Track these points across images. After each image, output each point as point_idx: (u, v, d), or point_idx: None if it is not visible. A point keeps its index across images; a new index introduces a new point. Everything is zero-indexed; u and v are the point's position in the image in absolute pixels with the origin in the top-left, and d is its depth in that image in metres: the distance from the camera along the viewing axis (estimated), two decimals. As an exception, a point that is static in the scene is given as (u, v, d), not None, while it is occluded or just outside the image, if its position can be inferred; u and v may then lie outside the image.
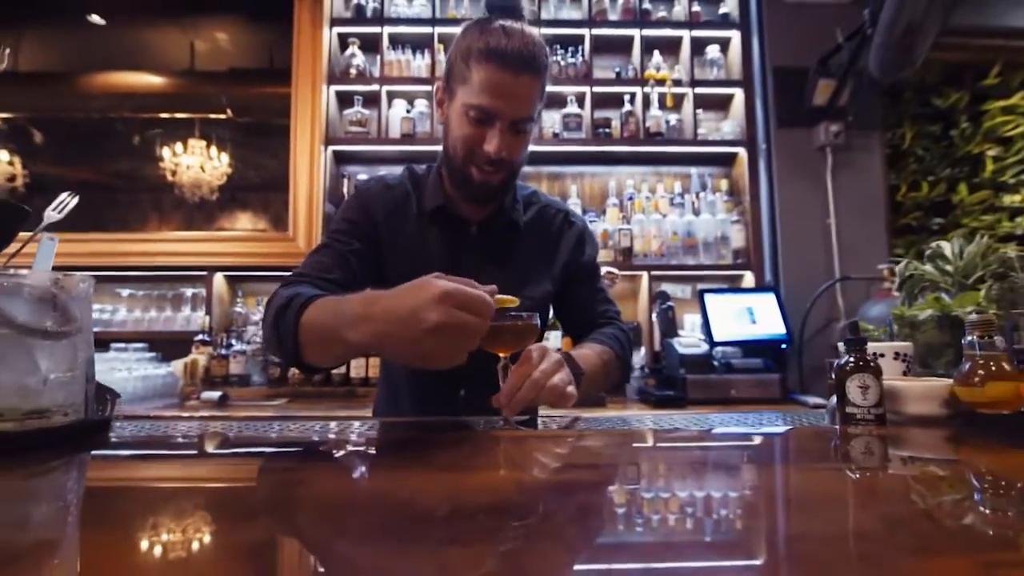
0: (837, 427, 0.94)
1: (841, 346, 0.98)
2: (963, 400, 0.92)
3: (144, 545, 0.40)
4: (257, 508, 0.52)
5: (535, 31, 1.12)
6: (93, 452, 0.73)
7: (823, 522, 0.46)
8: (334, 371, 2.61)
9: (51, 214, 0.83)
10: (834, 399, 0.98)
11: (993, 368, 0.88)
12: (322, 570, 0.38)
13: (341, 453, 0.80)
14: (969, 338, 0.92)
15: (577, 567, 0.38)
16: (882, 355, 1.07)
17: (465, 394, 1.21)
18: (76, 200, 0.86)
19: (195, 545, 0.40)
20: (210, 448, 0.84)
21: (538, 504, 0.52)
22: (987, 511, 0.48)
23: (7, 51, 0.86)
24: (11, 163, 3.11)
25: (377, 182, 1.26)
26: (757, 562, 0.39)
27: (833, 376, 0.97)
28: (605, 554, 0.40)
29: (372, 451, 0.85)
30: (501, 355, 0.89)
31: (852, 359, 0.95)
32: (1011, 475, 0.64)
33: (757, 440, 0.91)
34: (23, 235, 0.82)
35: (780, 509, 0.54)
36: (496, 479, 0.62)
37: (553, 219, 1.36)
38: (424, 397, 1.24)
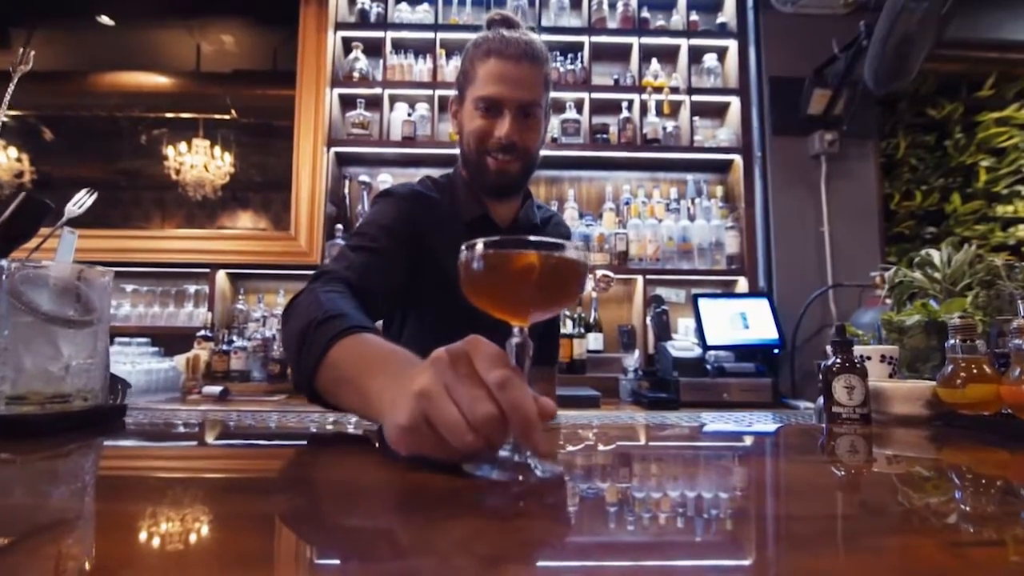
0: (824, 425, 0.97)
1: (829, 348, 1.02)
2: (945, 401, 0.95)
3: (159, 526, 0.43)
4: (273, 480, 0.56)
5: (533, 34, 1.19)
6: (109, 436, 0.76)
7: (807, 505, 0.50)
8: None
9: (71, 209, 0.86)
10: (821, 399, 1.01)
11: (974, 371, 0.92)
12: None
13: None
14: (952, 341, 0.96)
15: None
16: (868, 358, 1.10)
17: None
18: (94, 196, 0.90)
19: (206, 526, 0.43)
20: (220, 435, 0.87)
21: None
22: (967, 506, 0.51)
23: (32, 52, 0.88)
24: (19, 160, 3.15)
25: (409, 188, 1.23)
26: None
27: (821, 376, 1.01)
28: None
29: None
30: (515, 324, 0.57)
31: (839, 360, 0.99)
32: (989, 472, 0.67)
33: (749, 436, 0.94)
34: (44, 230, 0.85)
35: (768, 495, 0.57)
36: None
37: (551, 219, 1.42)
38: None
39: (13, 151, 3.16)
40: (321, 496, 0.52)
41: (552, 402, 0.52)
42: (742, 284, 3.00)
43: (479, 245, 0.56)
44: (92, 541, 0.39)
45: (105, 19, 3.23)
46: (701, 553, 0.38)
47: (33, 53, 0.90)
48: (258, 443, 0.80)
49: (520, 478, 0.51)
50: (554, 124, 3.10)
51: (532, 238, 0.54)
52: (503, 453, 0.54)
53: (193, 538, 0.39)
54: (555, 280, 0.56)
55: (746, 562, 0.37)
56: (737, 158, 3.11)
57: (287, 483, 0.58)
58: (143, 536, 0.39)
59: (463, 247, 0.57)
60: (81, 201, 0.88)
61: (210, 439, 0.82)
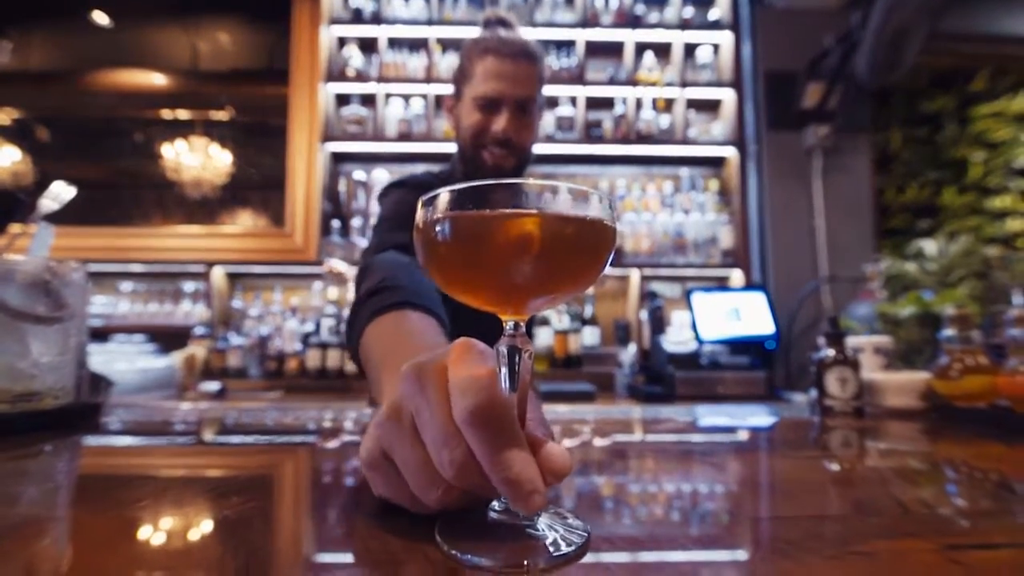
0: (816, 419, 0.96)
1: (822, 340, 1.00)
2: (940, 393, 0.94)
3: (132, 527, 0.41)
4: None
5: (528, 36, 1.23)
6: (81, 435, 0.74)
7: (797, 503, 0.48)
8: (329, 365, 2.65)
9: (47, 203, 0.84)
10: (814, 391, 1.00)
11: (971, 362, 0.90)
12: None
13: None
14: (947, 332, 0.94)
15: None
16: (862, 350, 1.09)
17: None
18: (72, 190, 0.88)
19: (179, 526, 0.42)
20: (194, 433, 0.85)
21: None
22: (964, 505, 0.50)
23: (11, 46, 0.86)
24: (21, 162, 3.14)
25: (419, 179, 1.24)
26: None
27: (813, 369, 0.99)
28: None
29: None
30: (506, 318, 0.38)
31: (831, 353, 0.97)
32: (987, 467, 0.65)
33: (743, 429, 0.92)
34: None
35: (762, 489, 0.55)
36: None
37: None
38: None
39: (15, 152, 3.14)
40: (275, 500, 0.50)
41: (565, 452, 0.36)
42: (737, 279, 2.99)
43: (443, 197, 0.37)
44: (63, 544, 0.38)
45: (101, 17, 3.19)
46: (680, 559, 0.36)
47: (11, 46, 0.87)
48: (231, 442, 0.78)
49: (525, 564, 0.32)
50: (548, 120, 3.08)
51: (532, 181, 0.36)
52: (494, 513, 0.37)
53: (150, 539, 0.38)
54: (569, 252, 0.37)
55: (726, 569, 0.35)
56: (731, 152, 3.09)
57: (245, 484, 0.56)
58: (108, 539, 0.37)
59: (420, 203, 0.39)
60: (56, 194, 0.86)
61: (184, 438, 0.80)
